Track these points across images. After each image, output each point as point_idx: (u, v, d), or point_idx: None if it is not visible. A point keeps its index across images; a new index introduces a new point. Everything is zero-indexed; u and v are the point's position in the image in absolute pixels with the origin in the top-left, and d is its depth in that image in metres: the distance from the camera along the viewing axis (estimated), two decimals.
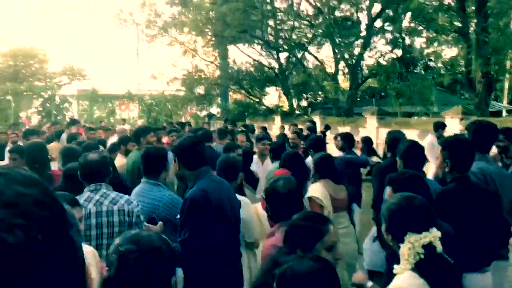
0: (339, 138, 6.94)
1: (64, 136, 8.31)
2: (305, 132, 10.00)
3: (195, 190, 3.10)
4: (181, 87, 25.35)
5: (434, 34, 19.36)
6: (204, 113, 27.54)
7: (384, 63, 19.47)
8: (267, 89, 25.16)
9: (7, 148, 7.64)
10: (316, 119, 17.73)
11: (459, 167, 3.21)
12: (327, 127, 12.56)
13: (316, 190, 4.51)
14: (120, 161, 5.86)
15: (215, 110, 28.22)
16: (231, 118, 24.08)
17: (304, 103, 24.16)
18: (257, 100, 24.59)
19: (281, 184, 2.88)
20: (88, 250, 2.51)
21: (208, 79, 24.65)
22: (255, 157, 6.15)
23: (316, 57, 20.05)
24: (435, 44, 20.66)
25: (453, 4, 15.20)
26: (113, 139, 11.83)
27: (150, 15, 22.18)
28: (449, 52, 20.36)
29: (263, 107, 24.97)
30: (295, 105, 23.83)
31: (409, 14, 18.98)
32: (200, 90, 25.21)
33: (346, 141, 6.78)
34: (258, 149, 6.27)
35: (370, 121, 14.95)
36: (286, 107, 24.20)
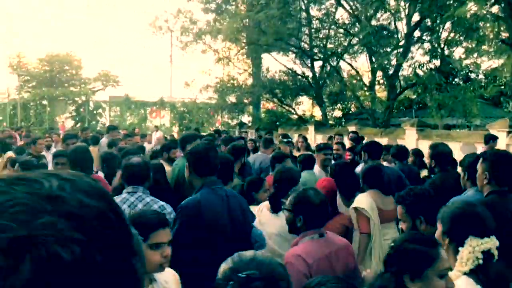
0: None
1: (104, 141, 8.24)
2: (347, 143, 9.64)
3: (190, 199, 3.09)
4: (213, 95, 25.32)
5: (474, 45, 18.93)
6: (235, 121, 27.44)
7: (421, 73, 18.94)
8: (300, 98, 24.77)
9: (46, 152, 7.55)
10: (352, 129, 17.31)
11: (498, 180, 3.17)
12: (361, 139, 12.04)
13: (362, 200, 4.43)
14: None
15: (246, 119, 28.09)
16: (262, 127, 23.94)
17: (337, 113, 23.66)
18: (290, 109, 24.28)
19: (312, 194, 2.83)
20: (169, 274, 2.42)
21: (240, 87, 24.49)
22: (316, 166, 5.78)
23: (352, 66, 19.60)
24: (475, 54, 20.15)
25: (499, 13, 14.59)
26: (148, 146, 11.76)
27: (185, 22, 22.21)
28: (488, 63, 19.70)
29: (295, 116, 24.65)
30: (328, 115, 23.42)
31: (448, 24, 18.59)
32: (232, 98, 25.10)
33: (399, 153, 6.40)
34: (320, 158, 5.84)
35: (409, 132, 14.40)
36: (318, 117, 23.81)
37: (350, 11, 18.62)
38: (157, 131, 20.06)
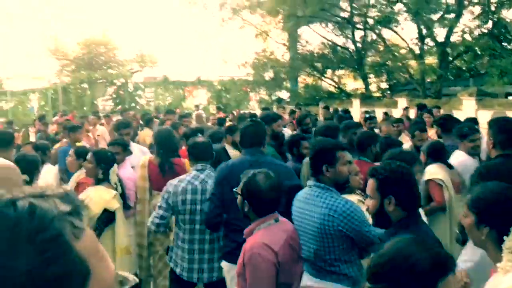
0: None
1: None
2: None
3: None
4: (251, 71, 24.80)
5: None
6: (273, 98, 26.88)
7: (470, 39, 17.86)
8: (341, 71, 23.91)
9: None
10: (402, 101, 16.52)
11: (501, 144, 3.34)
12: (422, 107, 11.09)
13: (437, 172, 4.40)
14: (230, 152, 5.24)
15: (284, 95, 27.49)
16: (302, 102, 23.32)
17: (383, 85, 22.74)
18: (333, 83, 23.52)
19: (261, 178, 2.69)
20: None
21: (278, 62, 23.86)
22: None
23: (398, 34, 18.64)
24: None
25: None
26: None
27: None
28: None
29: (337, 90, 23.89)
30: (373, 88, 22.57)
31: None
32: (270, 74, 24.50)
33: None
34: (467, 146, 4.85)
35: (467, 102, 13.55)
36: (362, 90, 22.97)
37: None
38: (198, 110, 19.77)
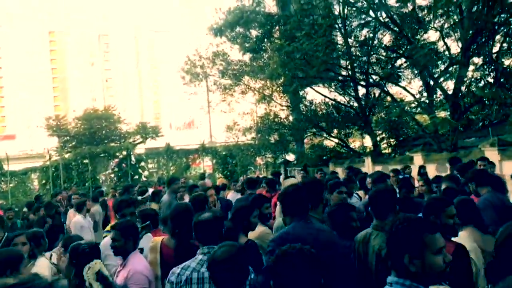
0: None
1: (166, 198, 7.17)
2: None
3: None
4: (254, 135, 24.39)
5: None
6: (278, 161, 26.27)
7: (475, 89, 17.52)
8: (348, 130, 23.42)
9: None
10: (418, 158, 15.81)
11: None
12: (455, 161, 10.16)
13: (462, 241, 3.54)
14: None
15: (290, 157, 26.91)
16: (309, 163, 22.64)
17: (392, 141, 22.13)
18: (340, 142, 22.93)
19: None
20: None
21: (283, 124, 23.45)
22: None
23: (406, 89, 18.25)
24: None
25: None
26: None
27: (221, 65, 21.55)
28: None
29: (345, 149, 23.27)
30: (383, 145, 21.95)
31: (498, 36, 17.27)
32: (274, 136, 24.03)
33: None
34: None
35: (489, 153, 12.80)
36: (370, 147, 22.36)
37: (397, 30, 17.40)
38: (205, 179, 19.02)
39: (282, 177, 10.73)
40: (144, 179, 25.04)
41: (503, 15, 15.97)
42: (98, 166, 25.00)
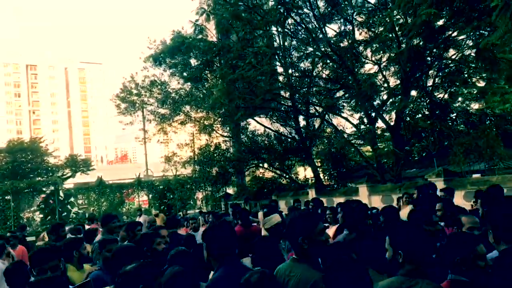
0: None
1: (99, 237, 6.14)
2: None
3: None
4: (193, 168, 23.46)
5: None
6: (219, 194, 25.38)
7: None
8: (290, 162, 23.08)
9: None
10: (363, 189, 15.61)
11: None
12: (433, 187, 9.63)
13: None
14: None
15: (230, 190, 26.12)
16: (251, 196, 21.96)
17: (333, 172, 21.98)
18: (282, 174, 22.48)
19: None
20: None
21: (224, 155, 22.73)
22: None
23: (348, 120, 18.24)
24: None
25: None
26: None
27: (159, 94, 20.63)
28: None
29: (287, 181, 22.85)
30: (324, 177, 21.73)
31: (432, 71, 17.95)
32: (215, 169, 23.20)
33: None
34: None
35: (435, 183, 12.78)
36: (312, 178, 22.10)
37: (337, 61, 17.46)
38: (141, 216, 17.73)
39: (261, 213, 9.82)
40: (73, 215, 23.12)
41: (435, 51, 16.50)
42: (21, 203, 22.77)
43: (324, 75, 19.84)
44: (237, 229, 7.26)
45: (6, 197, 22.43)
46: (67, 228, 9.60)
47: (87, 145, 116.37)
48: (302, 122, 21.45)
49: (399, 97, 17.09)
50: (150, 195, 25.45)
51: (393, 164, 16.01)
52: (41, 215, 23.22)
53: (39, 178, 25.03)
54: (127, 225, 7.96)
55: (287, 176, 22.48)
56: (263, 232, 6.87)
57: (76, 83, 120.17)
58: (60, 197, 23.40)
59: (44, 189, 23.67)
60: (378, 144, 17.03)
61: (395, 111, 16.22)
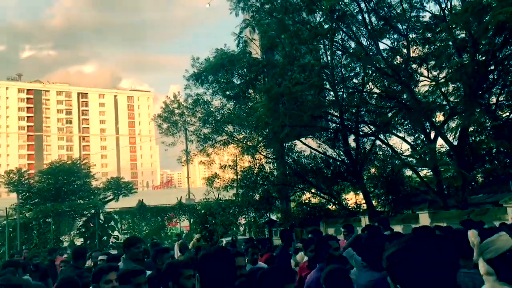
0: None
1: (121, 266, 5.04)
2: None
3: None
4: (235, 191, 22.37)
5: None
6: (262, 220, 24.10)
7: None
8: (341, 186, 21.54)
9: None
10: (424, 216, 13.95)
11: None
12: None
13: None
14: None
15: (273, 216, 24.78)
16: (296, 223, 20.54)
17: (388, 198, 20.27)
18: (330, 199, 20.96)
19: None
20: None
21: (268, 178, 21.52)
22: None
23: (406, 140, 16.70)
24: None
25: None
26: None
27: (202, 114, 19.84)
28: None
29: (336, 207, 21.30)
30: (375, 203, 20.06)
31: None
32: (258, 193, 21.97)
33: None
34: None
35: None
36: (364, 205, 20.46)
37: (391, 76, 16.06)
38: (180, 241, 16.68)
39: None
40: (114, 240, 22.44)
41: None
42: (62, 225, 22.35)
43: (375, 93, 18.44)
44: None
45: (47, 220, 22.07)
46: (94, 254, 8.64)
47: (134, 171, 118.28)
48: (352, 144, 20.04)
49: (457, 116, 15.59)
50: (192, 220, 24.52)
51: (457, 189, 14.31)
52: (81, 239, 22.71)
53: (81, 201, 24.63)
54: (156, 251, 6.84)
55: (336, 202, 20.93)
56: None
57: (125, 110, 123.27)
58: (100, 220, 22.87)
59: (85, 212, 23.23)
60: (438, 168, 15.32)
61: (459, 129, 14.54)
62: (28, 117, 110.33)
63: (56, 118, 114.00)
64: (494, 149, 16.12)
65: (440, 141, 16.76)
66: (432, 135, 16.18)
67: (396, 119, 17.30)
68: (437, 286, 1.37)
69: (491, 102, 16.93)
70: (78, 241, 22.56)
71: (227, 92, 19.56)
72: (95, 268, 4.02)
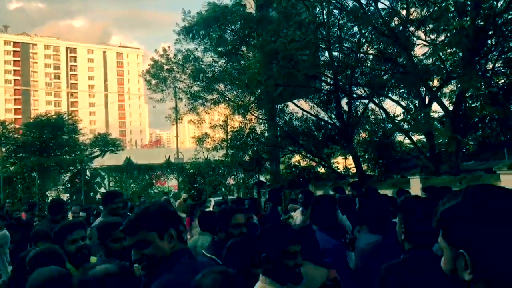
0: None
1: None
2: None
3: None
4: (225, 152, 22.08)
5: None
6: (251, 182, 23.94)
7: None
8: (332, 150, 21.33)
9: None
10: (415, 182, 13.79)
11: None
12: None
13: None
14: None
15: (262, 178, 24.63)
16: (286, 185, 20.42)
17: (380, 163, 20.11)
18: (320, 162, 20.78)
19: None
20: None
21: (259, 140, 21.22)
22: None
23: (400, 104, 16.39)
24: None
25: None
26: None
27: (192, 70, 19.24)
28: None
29: (326, 170, 21.15)
30: (366, 167, 19.92)
31: None
32: (248, 154, 21.71)
33: None
34: None
35: (506, 177, 10.89)
36: (354, 169, 20.30)
37: (390, 38, 15.55)
38: (168, 198, 16.46)
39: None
40: (100, 197, 22.20)
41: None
42: (47, 180, 21.97)
43: (371, 54, 17.96)
44: None
45: (32, 174, 21.69)
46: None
47: (122, 129, 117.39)
48: (345, 108, 19.71)
49: (453, 81, 15.24)
50: (180, 179, 24.31)
51: (450, 155, 14.12)
52: (67, 195, 22.44)
53: (66, 156, 24.20)
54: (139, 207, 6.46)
55: (325, 165, 20.75)
56: None
57: (114, 67, 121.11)
58: (87, 177, 22.55)
59: (71, 167, 22.86)
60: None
61: (456, 93, 14.20)
62: (15, 70, 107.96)
63: (44, 73, 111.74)
64: (488, 117, 15.86)
65: (433, 108, 16.50)
66: (427, 100, 15.88)
67: (391, 81, 16.92)
68: None
69: (487, 68, 16.62)
70: (64, 197, 22.28)
71: (219, 49, 18.92)
72: (57, 227, 3.64)
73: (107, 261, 3.03)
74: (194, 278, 2.00)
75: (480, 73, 16.28)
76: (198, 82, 19.56)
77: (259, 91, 18.34)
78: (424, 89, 15.80)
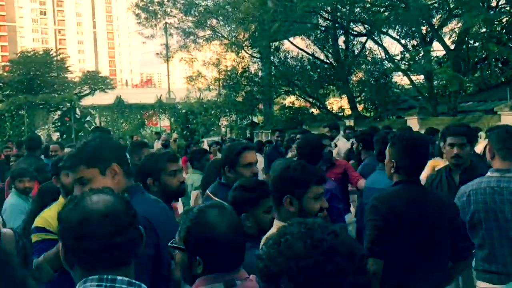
0: None
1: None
2: None
3: None
4: (218, 92, 21.62)
5: None
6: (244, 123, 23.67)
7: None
8: (327, 90, 20.92)
9: None
10: (413, 122, 13.54)
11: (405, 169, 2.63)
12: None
13: None
14: None
15: (256, 119, 24.34)
16: (280, 126, 20.15)
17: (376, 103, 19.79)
18: (315, 103, 20.42)
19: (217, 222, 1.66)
20: None
21: (252, 79, 20.71)
22: None
23: (400, 42, 15.83)
24: None
25: None
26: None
27: (183, 4, 18.37)
28: None
29: (321, 111, 20.83)
30: (361, 107, 19.63)
31: None
32: (242, 94, 21.26)
33: None
34: None
35: (507, 118, 10.64)
36: (349, 111, 19.98)
37: None
38: (160, 139, 16.18)
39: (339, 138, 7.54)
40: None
41: None
42: (36, 119, 21.49)
43: None
44: None
45: (20, 112, 21.18)
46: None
47: (112, 68, 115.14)
48: (342, 46, 19.11)
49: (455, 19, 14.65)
50: (172, 119, 23.95)
51: (449, 96, 13.81)
52: (57, 133, 22.07)
53: (55, 94, 23.58)
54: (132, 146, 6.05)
55: (320, 106, 20.40)
56: None
57: (102, 2, 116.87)
58: (76, 115, 22.08)
59: (60, 106, 22.34)
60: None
61: (462, 30, 13.64)
62: None
63: (30, 9, 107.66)
64: (488, 58, 15.44)
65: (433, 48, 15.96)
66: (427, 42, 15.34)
67: (392, 18, 16.25)
68: None
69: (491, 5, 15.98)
70: (55, 135, 21.92)
71: None
72: (55, 158, 3.39)
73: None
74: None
75: (484, 9, 15.70)
76: (189, 17, 18.70)
77: (253, 27, 17.63)
78: (425, 27, 15.24)
